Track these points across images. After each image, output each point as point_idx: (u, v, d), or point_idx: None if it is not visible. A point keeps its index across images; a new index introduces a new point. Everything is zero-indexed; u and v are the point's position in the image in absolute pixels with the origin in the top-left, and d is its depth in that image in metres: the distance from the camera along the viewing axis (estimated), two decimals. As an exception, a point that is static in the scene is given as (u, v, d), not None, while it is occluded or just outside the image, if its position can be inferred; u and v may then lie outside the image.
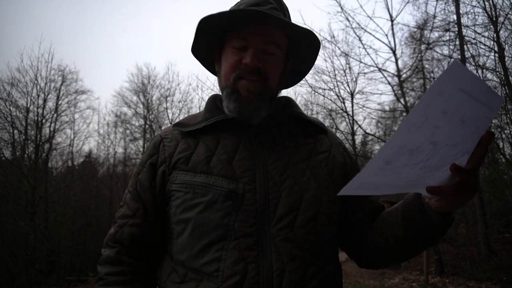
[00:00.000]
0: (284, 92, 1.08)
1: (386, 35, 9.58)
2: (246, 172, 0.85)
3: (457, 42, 8.73)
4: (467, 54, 8.63)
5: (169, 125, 1.04)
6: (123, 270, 0.90)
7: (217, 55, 0.98)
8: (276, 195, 0.84)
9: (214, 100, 1.00)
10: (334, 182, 0.92)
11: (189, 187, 0.85)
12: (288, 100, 1.03)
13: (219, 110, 0.95)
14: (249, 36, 0.89)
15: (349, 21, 9.88)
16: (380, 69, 9.54)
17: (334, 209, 0.90)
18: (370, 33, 10.02)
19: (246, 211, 0.82)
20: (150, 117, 16.83)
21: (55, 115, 14.11)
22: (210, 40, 0.98)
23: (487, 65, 8.59)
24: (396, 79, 9.46)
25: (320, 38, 0.91)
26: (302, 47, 0.97)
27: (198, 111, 1.07)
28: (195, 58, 1.04)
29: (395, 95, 9.68)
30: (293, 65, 1.01)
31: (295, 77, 1.08)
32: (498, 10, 7.85)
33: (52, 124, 14.04)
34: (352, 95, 11.52)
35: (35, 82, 13.57)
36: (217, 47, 0.98)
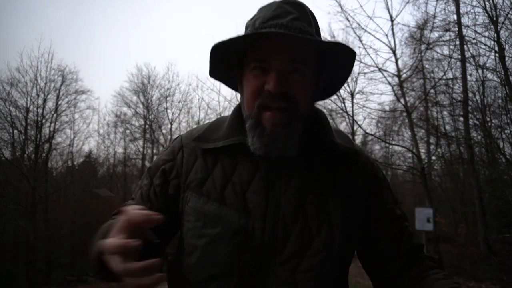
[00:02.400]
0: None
1: (386, 35, 9.57)
2: (257, 207, 0.81)
3: (457, 42, 8.75)
4: (467, 54, 8.65)
5: (188, 129, 0.96)
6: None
7: (238, 76, 0.87)
8: (284, 236, 0.80)
9: (238, 115, 0.89)
10: (351, 225, 0.85)
11: (200, 214, 0.82)
12: (318, 117, 0.90)
13: (240, 130, 0.85)
14: (270, 56, 0.78)
15: (349, 21, 9.87)
16: (380, 69, 9.53)
17: (347, 253, 0.86)
18: (370, 33, 9.98)
19: (252, 249, 0.79)
20: (150, 117, 16.83)
21: (55, 115, 14.11)
22: (229, 66, 0.88)
23: (487, 65, 8.61)
24: (396, 79, 9.46)
25: (353, 67, 0.78)
26: (334, 59, 0.83)
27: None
28: (218, 81, 0.95)
29: (395, 95, 9.68)
30: (325, 78, 0.88)
31: (328, 90, 0.95)
32: (498, 10, 7.85)
33: (52, 124, 14.05)
34: (352, 95, 11.53)
35: (35, 82, 13.58)
36: (237, 70, 0.87)
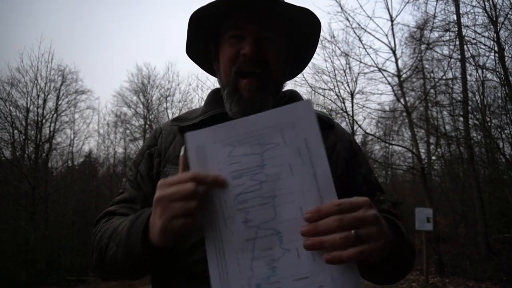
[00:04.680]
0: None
1: (386, 35, 9.60)
2: None
3: (457, 42, 8.75)
4: (467, 54, 8.65)
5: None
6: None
7: (214, 53, 0.93)
8: None
9: (214, 94, 0.96)
10: (336, 181, 0.89)
11: None
12: (293, 94, 0.98)
13: (218, 104, 0.91)
14: (245, 24, 0.84)
15: (349, 21, 9.91)
16: (380, 69, 9.54)
17: None
18: (370, 33, 10.06)
19: None
20: (150, 117, 16.84)
21: (55, 115, 14.12)
22: (205, 40, 0.94)
23: (487, 65, 8.61)
24: (396, 79, 9.47)
25: (320, 38, 0.89)
26: (302, 30, 0.91)
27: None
28: (191, 60, 1.00)
29: (395, 95, 9.69)
30: (295, 51, 0.95)
31: (300, 65, 1.02)
32: (498, 10, 7.86)
33: (52, 124, 14.05)
34: (352, 95, 11.53)
35: (35, 82, 13.59)
36: (213, 45, 0.93)
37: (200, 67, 1.03)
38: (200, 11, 0.84)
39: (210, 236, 0.60)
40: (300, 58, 1.00)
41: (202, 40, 0.94)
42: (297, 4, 0.84)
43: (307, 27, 0.90)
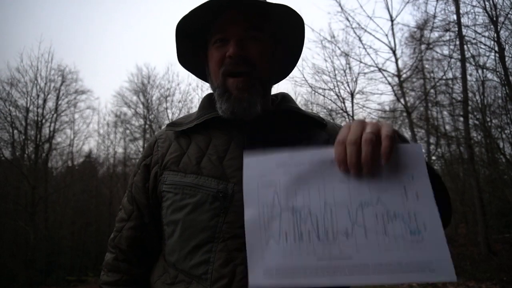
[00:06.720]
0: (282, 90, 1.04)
1: (386, 35, 9.63)
2: (236, 171, 0.82)
3: (457, 42, 8.75)
4: (467, 54, 8.65)
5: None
6: (118, 280, 0.92)
7: (204, 59, 0.96)
8: None
9: (208, 99, 0.98)
10: None
11: (178, 187, 0.84)
12: (284, 96, 1.01)
13: (212, 108, 0.92)
14: (227, 26, 0.86)
15: (349, 21, 9.93)
16: (380, 69, 9.55)
17: None
18: (370, 33, 10.07)
19: (235, 212, 0.79)
20: (150, 117, 16.82)
21: (55, 115, 14.12)
22: (195, 49, 0.96)
23: (487, 65, 8.61)
24: (396, 79, 9.48)
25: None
26: (287, 28, 0.93)
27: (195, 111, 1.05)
28: (184, 69, 1.02)
29: (395, 95, 9.70)
30: (283, 50, 0.97)
31: (290, 64, 1.04)
32: (498, 10, 7.85)
33: (52, 124, 14.05)
34: (352, 95, 11.53)
35: (35, 82, 13.59)
36: (202, 52, 0.96)
37: (194, 74, 1.05)
38: (184, 21, 0.87)
39: None
40: (289, 57, 1.01)
41: (192, 50, 0.96)
42: (277, 2, 0.85)
43: (290, 24, 0.92)
